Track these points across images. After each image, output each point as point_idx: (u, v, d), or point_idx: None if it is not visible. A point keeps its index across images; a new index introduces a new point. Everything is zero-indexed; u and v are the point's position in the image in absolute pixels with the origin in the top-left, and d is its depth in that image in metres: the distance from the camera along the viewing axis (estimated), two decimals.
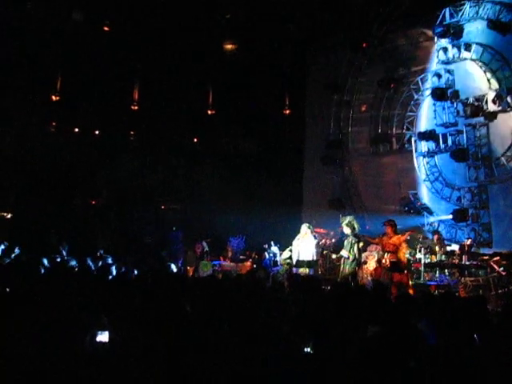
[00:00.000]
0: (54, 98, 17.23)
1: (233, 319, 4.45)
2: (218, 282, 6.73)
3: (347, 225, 12.28)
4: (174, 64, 17.19)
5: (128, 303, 5.01)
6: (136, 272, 8.38)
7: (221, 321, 4.41)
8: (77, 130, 19.06)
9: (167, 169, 18.70)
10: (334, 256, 12.82)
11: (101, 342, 4.15)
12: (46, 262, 7.15)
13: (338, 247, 14.39)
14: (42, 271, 6.51)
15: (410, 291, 10.59)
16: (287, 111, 18.52)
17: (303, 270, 12.28)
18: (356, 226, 12.23)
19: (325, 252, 14.90)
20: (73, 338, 4.11)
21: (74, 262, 9.78)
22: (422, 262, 12.81)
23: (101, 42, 16.35)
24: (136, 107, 18.15)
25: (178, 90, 17.80)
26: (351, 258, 11.73)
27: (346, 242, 12.19)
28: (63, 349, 3.97)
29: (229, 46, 17.40)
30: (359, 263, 11.96)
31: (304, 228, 13.01)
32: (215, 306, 4.97)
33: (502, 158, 13.56)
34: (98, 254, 12.22)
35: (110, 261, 9.06)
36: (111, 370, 3.84)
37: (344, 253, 12.01)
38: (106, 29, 16.34)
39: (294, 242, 13.12)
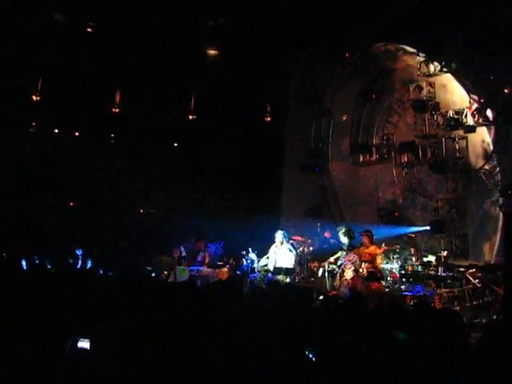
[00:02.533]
0: (34, 97, 17.03)
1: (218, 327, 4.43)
2: (197, 288, 6.70)
3: (344, 234, 12.47)
4: (157, 68, 17.10)
5: (109, 309, 4.97)
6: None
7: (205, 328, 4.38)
8: (56, 130, 18.91)
9: (147, 173, 18.58)
10: (333, 266, 12.93)
11: (82, 349, 4.09)
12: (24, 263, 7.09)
13: (316, 255, 14.51)
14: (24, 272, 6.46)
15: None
16: (268, 118, 18.50)
17: (281, 278, 12.34)
18: (353, 235, 12.43)
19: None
20: (53, 343, 4.06)
21: (48, 266, 9.71)
22: (399, 272, 12.94)
23: (83, 43, 16.21)
24: (117, 110, 17.99)
25: (159, 95, 17.73)
26: None
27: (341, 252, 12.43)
28: (43, 353, 3.93)
29: (211, 53, 17.35)
30: (343, 271, 12.17)
31: (279, 236, 13.06)
32: (198, 312, 4.95)
33: (480, 171, 13.70)
34: (77, 254, 12.12)
35: (89, 264, 9.03)
36: (92, 377, 3.79)
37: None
38: (88, 30, 16.20)
39: (271, 249, 13.17)
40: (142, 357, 3.91)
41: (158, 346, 4.02)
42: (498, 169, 13.36)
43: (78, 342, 4.12)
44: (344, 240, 12.57)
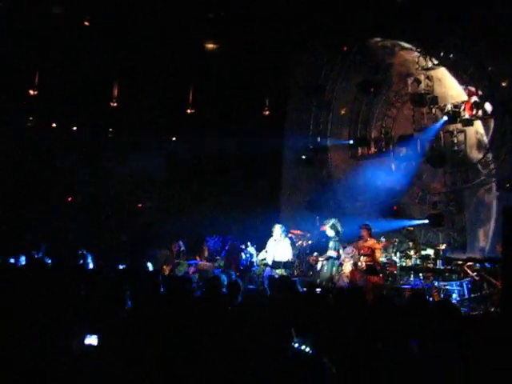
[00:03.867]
0: (31, 92, 16.99)
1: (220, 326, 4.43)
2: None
3: (331, 227, 12.53)
4: (155, 62, 17.07)
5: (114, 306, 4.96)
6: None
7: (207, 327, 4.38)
8: (54, 125, 18.86)
9: (144, 167, 18.56)
10: (320, 258, 12.91)
11: (89, 345, 4.08)
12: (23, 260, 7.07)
13: (314, 249, 14.52)
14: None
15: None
16: (267, 112, 18.48)
17: (280, 271, 12.36)
18: (339, 228, 12.46)
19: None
20: (59, 340, 4.06)
21: (49, 261, 9.70)
22: (398, 265, 12.96)
23: (81, 37, 16.17)
24: (115, 104, 17.95)
25: (157, 88, 17.69)
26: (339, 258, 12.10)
27: (331, 244, 12.43)
28: (49, 350, 3.93)
29: (210, 46, 17.33)
30: (341, 264, 12.18)
31: (278, 230, 13.06)
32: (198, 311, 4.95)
33: (478, 165, 13.70)
34: (80, 252, 12.03)
35: (89, 259, 9.01)
36: (98, 374, 3.79)
37: (332, 253, 12.26)
38: (86, 23, 16.15)
39: (269, 243, 13.17)
40: (142, 357, 3.92)
41: (158, 346, 4.02)
42: (493, 162, 13.38)
43: (85, 338, 4.13)
44: (330, 233, 12.62)
